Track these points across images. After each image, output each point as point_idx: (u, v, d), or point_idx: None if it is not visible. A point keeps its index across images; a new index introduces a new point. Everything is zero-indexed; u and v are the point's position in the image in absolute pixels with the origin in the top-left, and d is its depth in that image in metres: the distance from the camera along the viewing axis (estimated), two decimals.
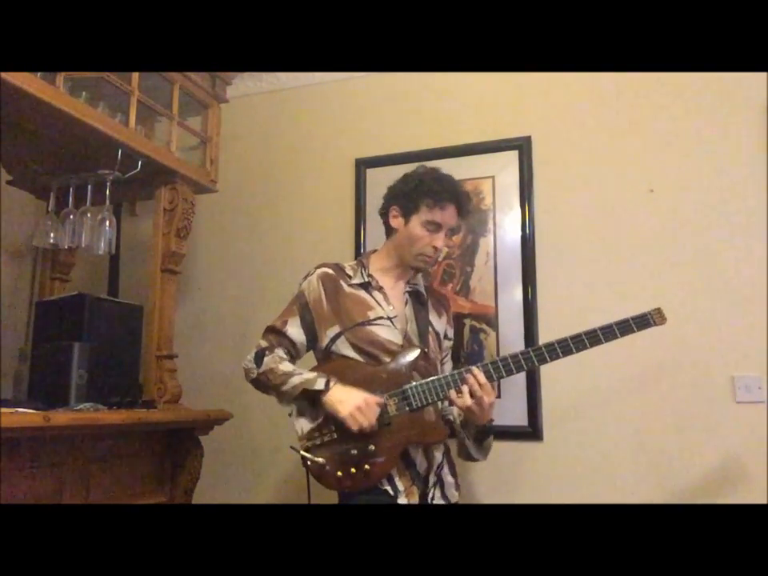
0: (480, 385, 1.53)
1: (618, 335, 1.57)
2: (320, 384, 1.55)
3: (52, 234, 2.13)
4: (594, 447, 2.06)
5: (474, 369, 1.56)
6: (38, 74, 1.64)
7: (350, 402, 1.51)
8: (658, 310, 1.58)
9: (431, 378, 1.58)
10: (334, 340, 1.64)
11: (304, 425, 1.60)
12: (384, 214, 1.75)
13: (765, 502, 1.83)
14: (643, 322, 1.57)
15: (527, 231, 2.23)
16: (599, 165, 2.20)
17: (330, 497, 1.64)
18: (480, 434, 1.66)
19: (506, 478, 2.14)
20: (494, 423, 1.67)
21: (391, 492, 1.55)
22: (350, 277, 1.71)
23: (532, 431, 2.12)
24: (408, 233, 1.67)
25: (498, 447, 2.13)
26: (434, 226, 1.65)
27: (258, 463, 2.46)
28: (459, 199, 1.67)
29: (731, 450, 1.93)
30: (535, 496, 2.07)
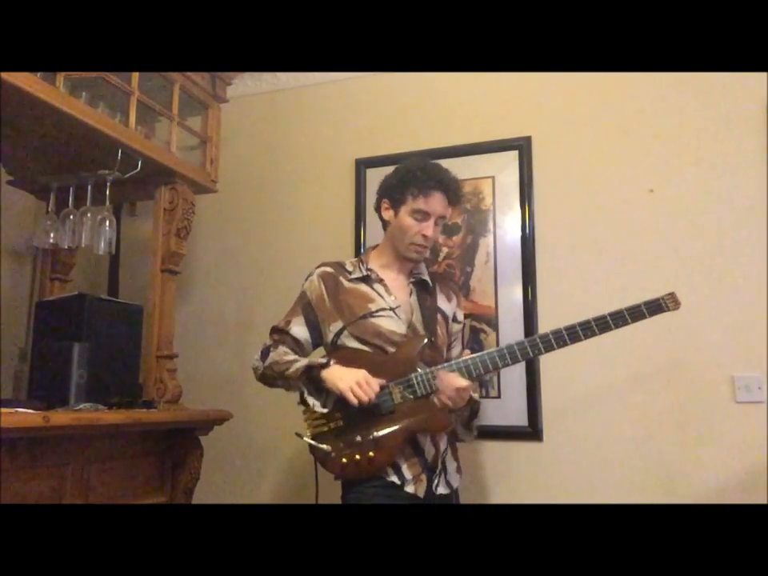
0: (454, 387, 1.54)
1: (629, 321, 1.53)
2: (321, 360, 1.59)
3: (52, 234, 2.13)
4: (594, 447, 2.06)
5: (441, 377, 1.56)
6: (38, 73, 1.64)
7: (350, 378, 1.53)
8: (672, 295, 1.54)
9: (437, 367, 1.59)
10: (338, 335, 1.67)
11: (315, 403, 1.61)
12: (378, 208, 1.77)
13: (765, 501, 1.83)
14: (655, 307, 1.54)
15: (527, 231, 2.23)
16: (599, 165, 2.20)
17: (334, 494, 1.64)
18: (470, 415, 1.69)
19: (506, 478, 2.14)
20: (479, 403, 1.71)
21: (398, 482, 1.56)
22: (349, 272, 1.73)
23: (532, 431, 2.12)
24: (398, 224, 1.69)
25: (498, 447, 2.15)
26: (422, 215, 1.66)
27: (258, 463, 2.46)
28: (446, 186, 1.66)
29: (731, 449, 1.92)
30: (535, 496, 2.07)
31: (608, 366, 2.04)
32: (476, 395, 1.68)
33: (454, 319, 1.79)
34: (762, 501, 1.84)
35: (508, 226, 2.27)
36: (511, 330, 2.19)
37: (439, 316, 1.73)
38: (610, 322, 1.53)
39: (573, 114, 2.26)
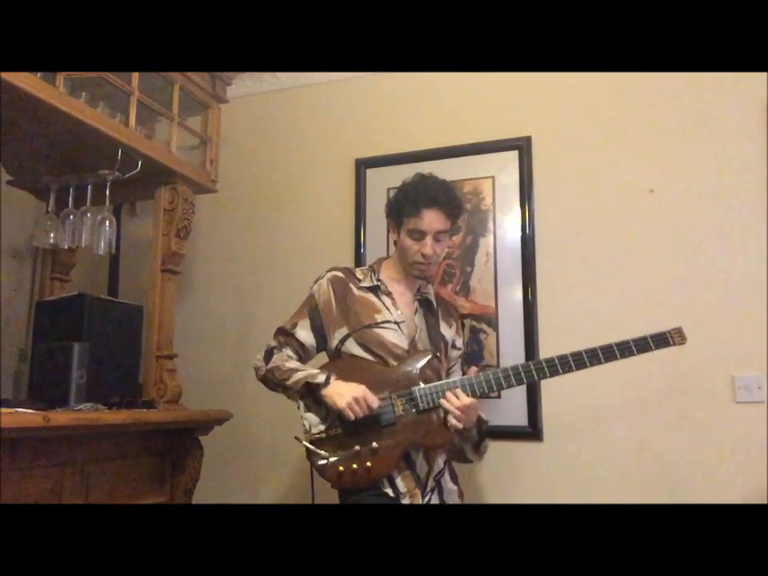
0: (463, 405, 1.54)
1: (635, 352, 1.56)
2: (320, 378, 1.58)
3: (52, 234, 2.12)
4: (594, 447, 2.06)
5: (450, 394, 1.56)
6: (38, 74, 1.64)
7: (348, 394, 1.53)
8: (679, 330, 1.58)
9: (440, 382, 1.60)
10: (342, 341, 1.67)
11: (312, 420, 1.61)
12: (388, 229, 1.80)
13: (765, 502, 1.83)
14: (662, 340, 1.57)
15: (527, 231, 2.23)
16: (599, 165, 2.20)
17: (332, 496, 1.64)
18: (479, 436, 1.68)
19: (506, 478, 2.14)
20: (489, 425, 1.70)
21: (392, 494, 1.56)
22: (359, 280, 1.74)
23: (532, 431, 2.12)
24: (401, 244, 1.71)
25: (498, 447, 2.14)
26: (419, 234, 1.66)
27: (258, 463, 2.46)
28: (440, 203, 1.66)
29: (731, 449, 1.92)
30: (535, 496, 2.07)
31: (608, 366, 2.02)
32: (484, 414, 1.68)
33: (453, 345, 1.79)
34: (762, 501, 1.84)
35: (508, 226, 2.27)
36: (511, 330, 2.19)
37: (441, 341, 1.74)
38: (617, 351, 1.56)
39: (573, 114, 2.26)
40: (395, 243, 1.78)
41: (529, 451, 2.12)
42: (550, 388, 2.12)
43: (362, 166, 2.48)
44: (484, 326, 2.22)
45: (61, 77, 1.72)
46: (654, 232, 2.10)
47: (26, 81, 1.58)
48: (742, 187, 2.03)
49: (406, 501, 1.56)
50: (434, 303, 1.79)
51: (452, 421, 1.55)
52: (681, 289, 2.03)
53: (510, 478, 2.13)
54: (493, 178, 2.31)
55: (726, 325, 1.98)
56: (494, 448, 2.14)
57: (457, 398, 1.55)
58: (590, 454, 2.06)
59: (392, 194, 1.80)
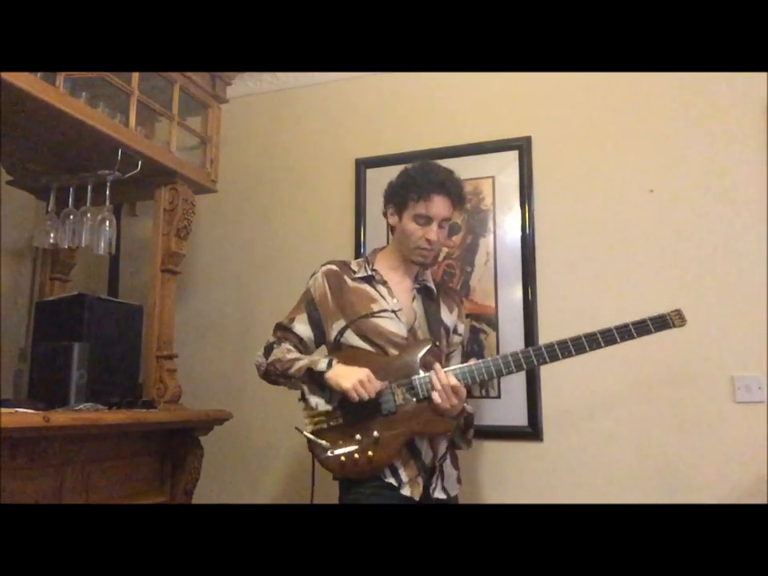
0: (451, 387, 1.55)
1: (635, 335, 1.55)
2: (323, 364, 1.59)
3: (52, 234, 2.13)
4: (594, 447, 2.06)
5: (438, 372, 1.56)
6: (38, 74, 1.64)
7: (353, 376, 1.53)
8: (678, 312, 1.57)
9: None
10: (341, 333, 1.68)
11: (319, 402, 1.61)
12: (384, 213, 1.78)
13: (765, 501, 1.83)
14: (661, 323, 1.56)
15: (527, 231, 2.23)
16: (599, 165, 2.20)
17: (332, 496, 1.64)
18: (465, 425, 1.70)
19: (506, 478, 2.14)
20: (472, 416, 1.72)
21: (395, 483, 1.57)
22: (354, 271, 1.75)
23: (532, 431, 2.12)
24: (402, 229, 1.70)
25: (498, 447, 2.15)
26: (425, 219, 1.66)
27: (258, 463, 2.46)
28: (447, 189, 1.66)
29: (731, 449, 1.92)
30: (535, 496, 2.07)
31: (608, 365, 2.04)
32: (469, 408, 1.69)
33: (455, 331, 1.79)
34: (762, 501, 1.84)
35: (508, 226, 2.27)
36: (511, 330, 2.19)
37: (441, 327, 1.74)
38: (616, 335, 1.55)
39: (573, 114, 2.26)
40: (392, 229, 1.77)
41: (529, 451, 2.12)
42: (551, 388, 2.12)
43: (362, 165, 2.48)
44: (484, 326, 2.22)
45: (61, 77, 1.72)
46: (654, 232, 2.10)
47: (26, 81, 1.58)
48: (741, 187, 2.03)
49: (405, 490, 1.56)
50: (434, 289, 1.78)
51: (434, 396, 1.55)
52: (681, 289, 2.03)
53: (510, 477, 2.13)
54: (493, 178, 2.31)
55: (726, 325, 1.98)
56: (494, 448, 2.16)
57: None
58: (590, 454, 2.06)
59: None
